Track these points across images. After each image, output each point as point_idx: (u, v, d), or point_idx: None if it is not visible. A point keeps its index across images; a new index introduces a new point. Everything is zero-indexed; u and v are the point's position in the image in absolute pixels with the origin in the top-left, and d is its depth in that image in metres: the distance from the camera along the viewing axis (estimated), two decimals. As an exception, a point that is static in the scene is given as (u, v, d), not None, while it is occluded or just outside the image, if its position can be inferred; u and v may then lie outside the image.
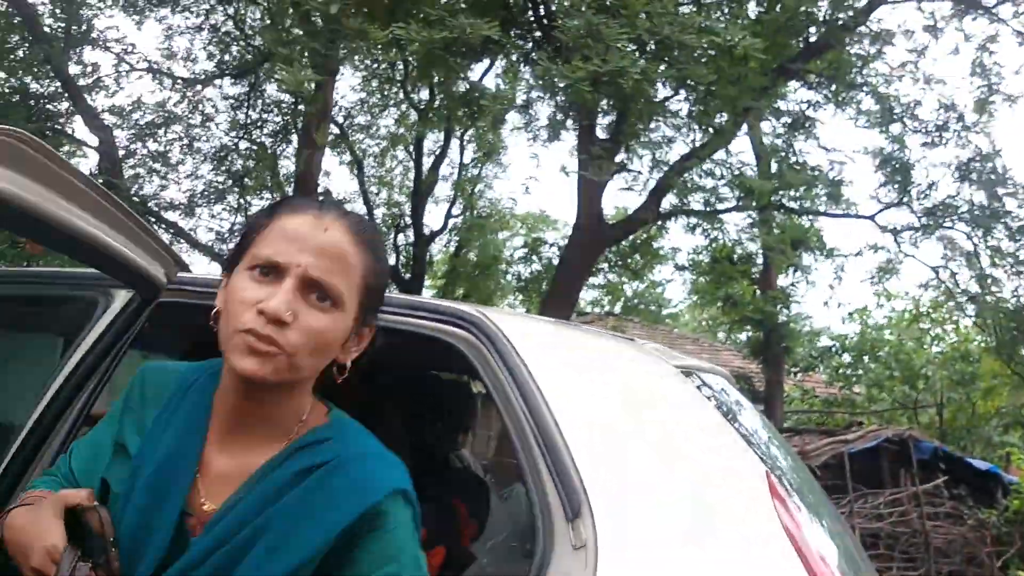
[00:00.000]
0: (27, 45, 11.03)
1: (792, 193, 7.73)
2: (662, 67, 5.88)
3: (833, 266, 9.48)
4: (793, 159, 8.25)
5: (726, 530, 1.55)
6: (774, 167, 8.30)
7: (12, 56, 11.56)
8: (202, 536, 1.10)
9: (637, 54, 5.64)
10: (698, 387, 1.87)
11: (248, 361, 1.08)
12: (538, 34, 6.84)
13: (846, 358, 13.16)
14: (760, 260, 10.66)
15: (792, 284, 10.67)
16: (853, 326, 14.02)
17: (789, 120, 7.87)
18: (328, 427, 1.21)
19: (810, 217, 8.18)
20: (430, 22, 6.11)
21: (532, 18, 6.91)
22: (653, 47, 5.84)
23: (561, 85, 5.88)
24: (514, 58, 6.67)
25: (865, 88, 7.72)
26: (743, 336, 13.69)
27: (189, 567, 1.07)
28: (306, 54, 7.49)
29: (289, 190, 11.58)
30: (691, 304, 16.11)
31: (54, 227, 1.31)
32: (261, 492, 1.11)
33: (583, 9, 5.52)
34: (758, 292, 10.84)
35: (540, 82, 6.33)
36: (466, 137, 13.72)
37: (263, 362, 1.08)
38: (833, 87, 7.66)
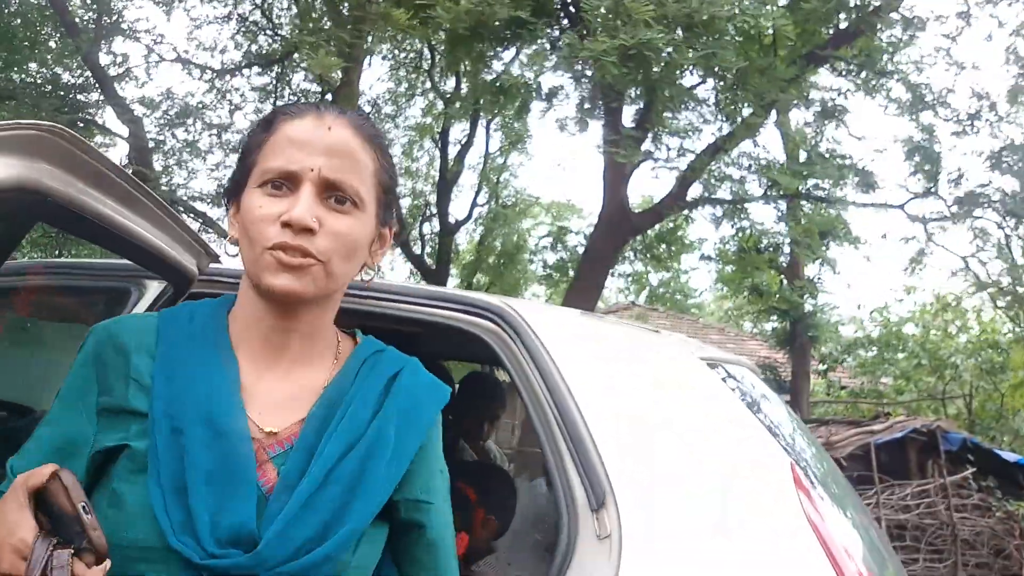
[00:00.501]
0: (59, 36, 11.19)
1: (820, 183, 7.65)
2: (690, 52, 5.82)
3: (859, 255, 9.40)
4: (824, 147, 8.17)
5: (750, 521, 1.56)
6: (803, 156, 8.23)
7: (44, 47, 11.74)
8: (302, 455, 1.04)
9: (665, 31, 5.58)
10: (723, 378, 1.88)
11: (283, 278, 1.03)
12: (565, 22, 6.81)
13: (872, 352, 13.03)
14: (787, 249, 10.56)
15: (818, 276, 10.58)
16: (875, 325, 13.90)
17: (819, 108, 7.77)
18: (370, 339, 1.21)
19: (838, 207, 8.09)
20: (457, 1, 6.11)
21: (558, 4, 6.87)
22: (682, 27, 5.78)
23: (587, 62, 5.83)
24: (541, 42, 6.64)
25: (896, 76, 7.63)
26: (769, 326, 13.59)
27: (315, 487, 1.02)
28: (332, 43, 7.53)
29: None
30: (717, 293, 16.01)
31: (89, 220, 1.34)
32: (360, 405, 1.09)
33: None
34: (784, 282, 10.76)
35: (566, 61, 6.27)
36: (492, 126, 13.74)
37: (299, 276, 1.04)
38: (863, 74, 7.56)
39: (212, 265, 2.19)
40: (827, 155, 7.61)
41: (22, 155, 1.09)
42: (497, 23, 5.93)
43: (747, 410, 1.79)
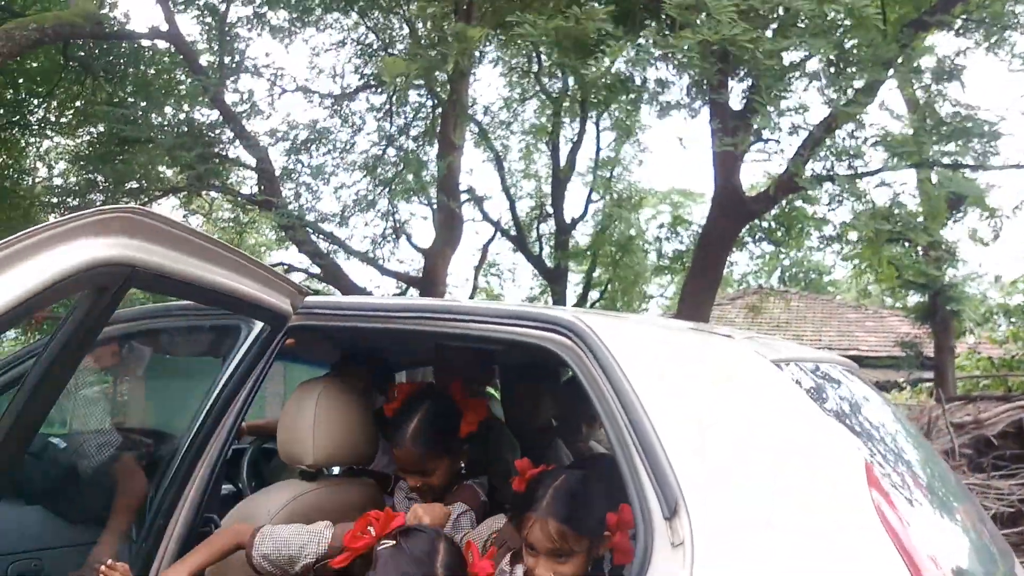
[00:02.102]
0: (188, 81, 12.02)
1: (946, 148, 7.20)
2: (777, 39, 5.65)
3: (992, 224, 8.77)
4: (946, 111, 7.70)
5: (818, 526, 1.56)
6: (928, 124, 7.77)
7: (177, 92, 12.64)
8: None
9: (749, 23, 5.46)
10: (796, 380, 1.87)
11: None
12: (652, 23, 6.77)
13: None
14: (920, 220, 9.99)
15: (954, 243, 9.95)
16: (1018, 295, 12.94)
17: (931, 76, 7.33)
18: None
19: (967, 171, 7.59)
20: (547, 15, 6.18)
21: (642, 5, 6.82)
22: (771, 16, 5.63)
23: (674, 56, 5.78)
24: (630, 46, 6.63)
25: (1020, 29, 7.09)
26: (912, 300, 12.90)
27: None
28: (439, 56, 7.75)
29: (433, 192, 11.99)
30: (852, 270, 15.33)
31: (183, 282, 1.53)
32: None
33: None
34: (920, 253, 10.19)
35: (643, 60, 6.24)
36: (602, 122, 13.72)
37: None
38: (982, 31, 7.07)
39: (309, 299, 2.37)
40: (948, 120, 7.16)
41: (107, 235, 1.28)
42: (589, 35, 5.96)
43: (819, 410, 1.77)
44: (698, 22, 5.37)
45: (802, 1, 5.32)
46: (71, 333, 1.55)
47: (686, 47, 5.29)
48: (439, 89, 11.22)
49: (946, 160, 7.32)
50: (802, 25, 5.72)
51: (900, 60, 6.41)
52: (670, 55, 6.09)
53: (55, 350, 1.57)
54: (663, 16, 6.16)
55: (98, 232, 1.30)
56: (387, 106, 12.83)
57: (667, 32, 5.77)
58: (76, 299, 1.49)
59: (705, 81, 7.12)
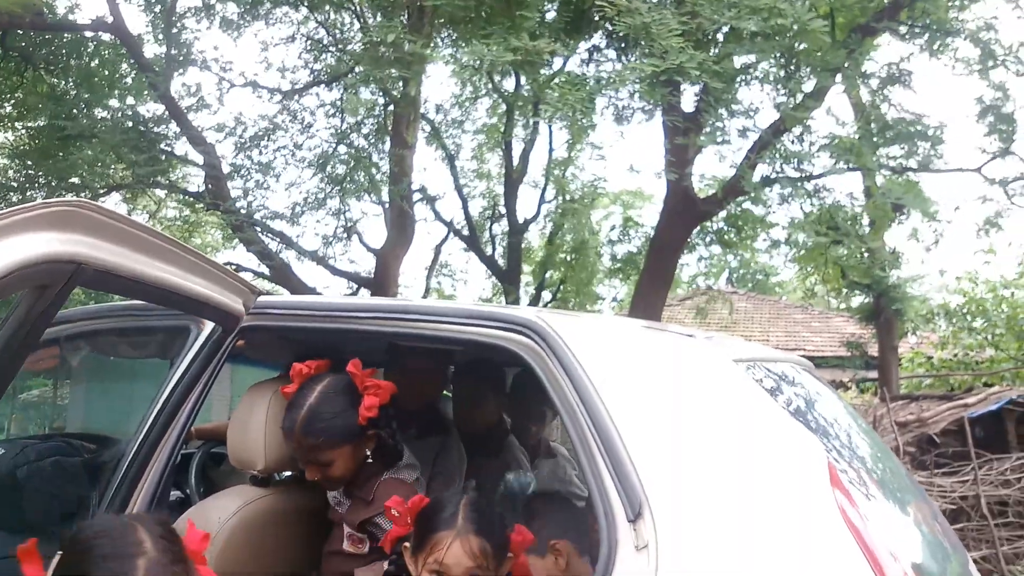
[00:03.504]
0: (133, 73, 11.71)
1: (890, 152, 7.37)
2: (728, 45, 5.74)
3: (934, 228, 9.02)
4: (891, 115, 7.88)
5: (784, 525, 1.56)
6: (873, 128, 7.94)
7: (121, 84, 12.31)
8: None
9: (696, 47, 5.55)
10: (758, 379, 1.87)
11: None
12: (599, 33, 6.82)
13: (960, 322, 12.52)
14: (865, 221, 10.20)
15: (894, 248, 10.21)
16: (957, 296, 13.31)
17: (879, 81, 7.50)
18: None
19: (910, 175, 7.78)
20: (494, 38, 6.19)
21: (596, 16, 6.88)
22: (719, 37, 5.73)
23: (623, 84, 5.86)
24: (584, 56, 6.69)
25: (962, 34, 7.28)
26: (856, 301, 13.18)
27: None
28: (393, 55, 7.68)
29: (384, 191, 11.86)
30: (799, 272, 15.62)
31: (132, 280, 1.46)
32: None
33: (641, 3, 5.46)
34: (864, 255, 10.41)
35: (607, 80, 6.33)
36: (555, 123, 13.71)
37: None
38: (926, 36, 7.25)
39: (262, 298, 2.30)
40: (892, 123, 7.33)
41: (52, 230, 1.21)
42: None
43: (783, 410, 1.78)
44: (646, 48, 5.44)
45: (747, 22, 5.40)
46: (11, 335, 1.46)
47: (635, 81, 5.36)
48: (391, 87, 11.10)
49: (891, 163, 7.49)
50: (748, 35, 5.81)
51: (847, 65, 6.54)
52: (617, 81, 6.17)
53: (-6, 351, 1.47)
54: (609, 25, 6.21)
55: (42, 226, 1.25)
56: (338, 102, 12.66)
57: (618, 46, 5.83)
58: (16, 298, 1.42)
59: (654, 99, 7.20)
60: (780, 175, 7.99)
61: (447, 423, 2.99)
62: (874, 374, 11.59)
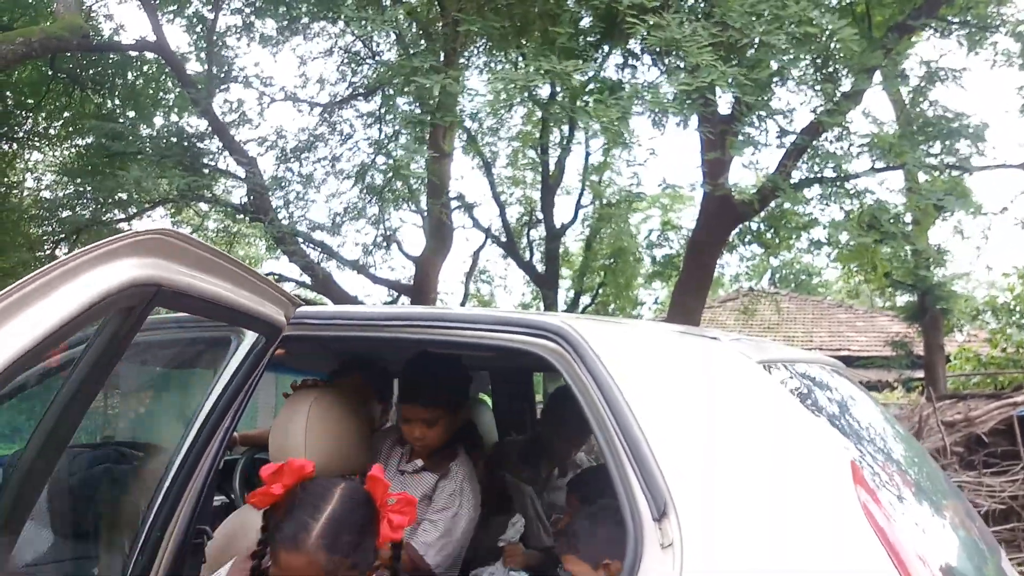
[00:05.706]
0: (177, 91, 12.01)
1: (931, 149, 7.25)
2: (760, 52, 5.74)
3: (980, 226, 8.83)
4: (932, 112, 7.76)
5: (808, 525, 1.58)
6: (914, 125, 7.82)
7: (166, 102, 12.63)
8: None
9: (727, 52, 5.57)
10: (782, 381, 1.89)
11: None
12: (633, 40, 6.85)
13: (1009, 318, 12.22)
14: (908, 219, 10.04)
15: (939, 245, 10.02)
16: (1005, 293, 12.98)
17: (919, 77, 7.40)
18: None
19: (952, 172, 7.64)
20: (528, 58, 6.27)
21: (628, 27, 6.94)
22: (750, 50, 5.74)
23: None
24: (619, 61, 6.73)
25: (1003, 29, 7.15)
26: (901, 300, 12.96)
27: None
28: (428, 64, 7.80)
29: (423, 199, 11.98)
30: (843, 270, 15.40)
31: (199, 298, 1.66)
32: None
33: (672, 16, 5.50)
34: (908, 254, 10.25)
35: (639, 97, 6.39)
36: (590, 127, 13.71)
37: None
38: (967, 31, 7.13)
39: (301, 309, 2.38)
40: (933, 120, 7.22)
41: (140, 256, 1.45)
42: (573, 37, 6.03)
43: (804, 409, 1.80)
44: (677, 61, 5.47)
45: (776, 37, 5.41)
46: (100, 352, 1.61)
47: (667, 97, 5.40)
48: (427, 97, 11.21)
49: (932, 161, 7.37)
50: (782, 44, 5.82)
51: (885, 64, 6.48)
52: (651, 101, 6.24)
53: (84, 369, 1.61)
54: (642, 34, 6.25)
55: (132, 253, 1.44)
56: (377, 113, 12.82)
57: (653, 51, 5.84)
58: (104, 319, 1.57)
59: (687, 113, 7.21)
60: (818, 175, 7.92)
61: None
62: (920, 373, 11.39)
